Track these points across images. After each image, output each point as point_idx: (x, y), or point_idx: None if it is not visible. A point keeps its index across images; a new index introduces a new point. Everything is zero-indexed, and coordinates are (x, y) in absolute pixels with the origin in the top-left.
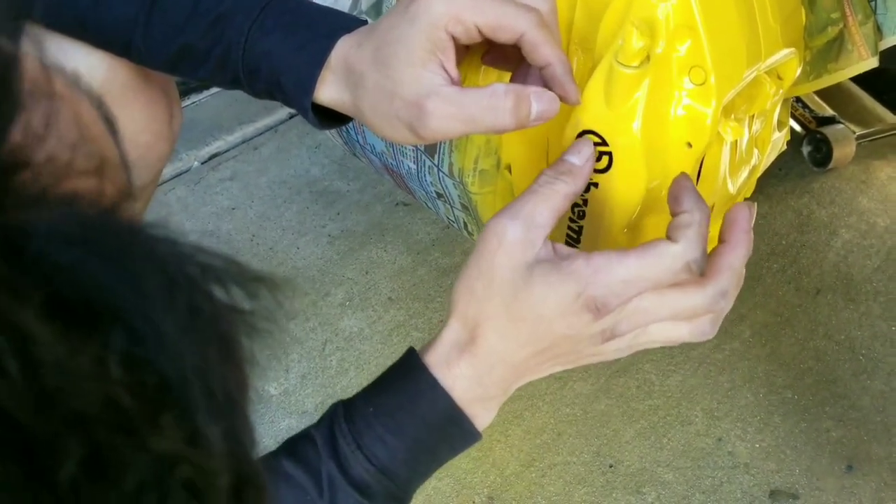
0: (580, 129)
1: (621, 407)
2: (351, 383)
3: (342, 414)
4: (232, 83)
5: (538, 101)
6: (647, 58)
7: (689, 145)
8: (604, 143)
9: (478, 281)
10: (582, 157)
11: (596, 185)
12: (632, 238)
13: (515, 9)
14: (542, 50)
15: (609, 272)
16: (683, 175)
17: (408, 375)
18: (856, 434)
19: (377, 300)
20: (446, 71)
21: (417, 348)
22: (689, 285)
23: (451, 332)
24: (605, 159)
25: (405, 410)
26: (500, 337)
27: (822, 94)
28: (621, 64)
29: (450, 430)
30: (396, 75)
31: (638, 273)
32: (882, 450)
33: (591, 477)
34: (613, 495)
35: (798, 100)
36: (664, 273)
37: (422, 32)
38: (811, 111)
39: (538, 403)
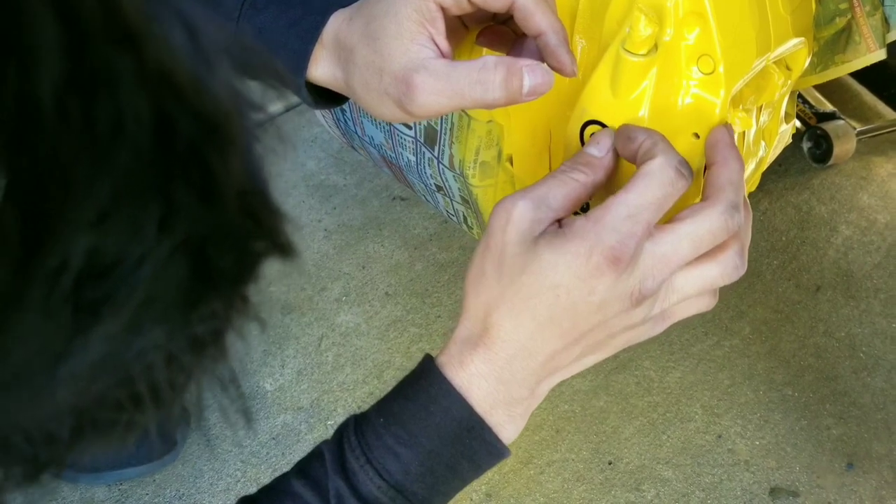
0: (585, 119)
1: (620, 404)
2: (347, 379)
3: (353, 427)
4: None
5: (531, 74)
6: (655, 46)
7: (697, 136)
8: None
9: (487, 262)
10: (602, 149)
11: None
12: None
13: None
14: (535, 18)
15: (611, 216)
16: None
17: (420, 381)
18: (856, 431)
19: (374, 295)
20: (436, 44)
21: (434, 354)
22: (695, 212)
23: (464, 327)
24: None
25: (418, 419)
26: (515, 321)
27: (823, 89)
28: (628, 52)
29: (469, 441)
30: (385, 49)
31: (637, 202)
32: (883, 447)
33: (589, 474)
34: (612, 493)
35: (799, 96)
36: (660, 188)
37: (410, 4)
38: (811, 107)
39: None
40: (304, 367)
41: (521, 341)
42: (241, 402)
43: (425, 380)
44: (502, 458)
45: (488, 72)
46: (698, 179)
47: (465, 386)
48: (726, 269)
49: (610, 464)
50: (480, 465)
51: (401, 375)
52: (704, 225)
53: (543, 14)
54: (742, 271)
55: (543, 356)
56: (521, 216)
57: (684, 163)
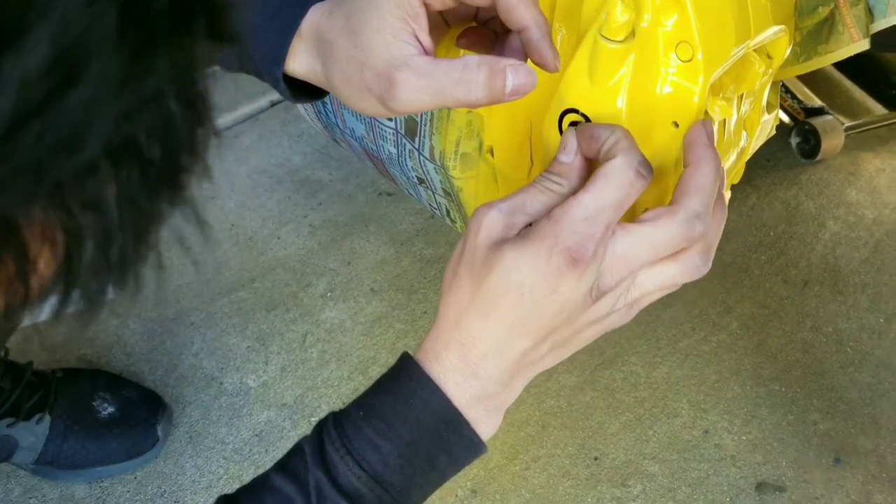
0: (563, 108)
1: (607, 399)
2: (332, 376)
3: (332, 421)
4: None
5: (514, 73)
6: (633, 32)
7: (676, 125)
8: (588, 121)
9: (461, 265)
10: (570, 153)
11: None
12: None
13: None
14: (518, 11)
15: (569, 217)
16: (574, 129)
17: (398, 375)
18: (843, 427)
19: (359, 291)
20: (418, 40)
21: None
22: (659, 217)
23: (439, 326)
24: None
25: (397, 411)
26: (484, 322)
27: (811, 84)
28: (605, 38)
29: (447, 435)
30: (366, 44)
31: (596, 203)
32: (869, 442)
33: (575, 470)
34: (598, 488)
35: (787, 91)
36: (618, 189)
37: (393, 4)
38: (800, 102)
39: (522, 395)
40: (288, 364)
41: (492, 341)
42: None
43: (404, 374)
44: (479, 453)
45: (471, 71)
46: (678, 170)
47: (441, 379)
48: (686, 268)
49: (596, 459)
50: (458, 459)
51: (386, 371)
52: (664, 233)
53: (526, 7)
54: (705, 270)
55: (514, 354)
56: (493, 221)
57: (644, 163)
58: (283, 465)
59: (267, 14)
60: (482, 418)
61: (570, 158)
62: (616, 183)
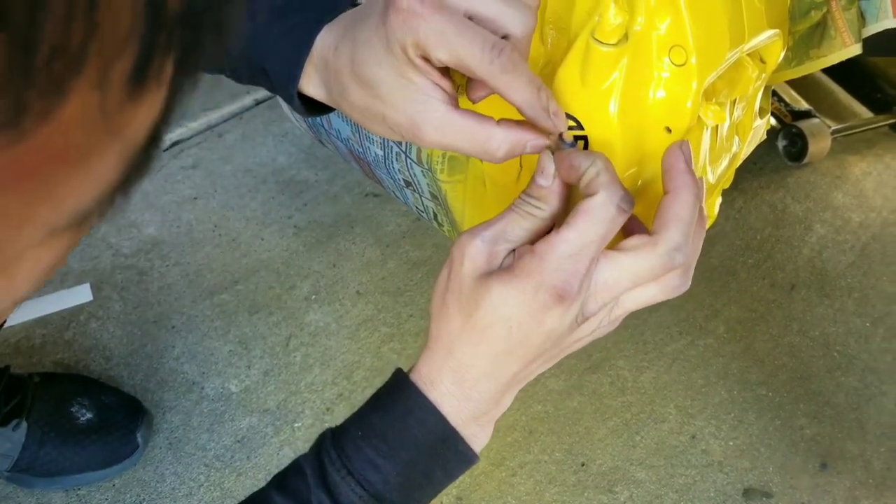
0: None
1: (594, 404)
2: (315, 380)
3: (331, 440)
4: (214, 68)
5: (533, 148)
6: (626, 35)
7: (669, 130)
8: (579, 126)
9: (448, 294)
10: (547, 177)
11: None
12: None
13: (481, 50)
14: (507, 95)
15: (554, 254)
16: (551, 153)
17: (395, 395)
18: (830, 431)
19: (344, 294)
20: (438, 85)
21: (404, 356)
22: (641, 249)
23: (431, 351)
24: (580, 144)
25: (396, 431)
26: (475, 349)
27: (798, 88)
28: (598, 41)
29: (443, 451)
30: (386, 97)
31: (580, 241)
32: (856, 447)
33: (562, 476)
34: (585, 494)
35: (774, 94)
36: (601, 225)
37: (399, 61)
38: (787, 105)
39: None
40: (271, 368)
41: (484, 367)
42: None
43: (401, 393)
44: (472, 464)
45: (493, 142)
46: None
47: (437, 402)
48: (666, 289)
49: (583, 465)
50: (453, 472)
51: (371, 376)
52: (644, 263)
53: (516, 91)
54: (685, 288)
55: (505, 377)
56: (477, 251)
57: (626, 197)
58: (282, 485)
59: (282, 29)
60: (476, 433)
61: (549, 182)
62: (598, 219)
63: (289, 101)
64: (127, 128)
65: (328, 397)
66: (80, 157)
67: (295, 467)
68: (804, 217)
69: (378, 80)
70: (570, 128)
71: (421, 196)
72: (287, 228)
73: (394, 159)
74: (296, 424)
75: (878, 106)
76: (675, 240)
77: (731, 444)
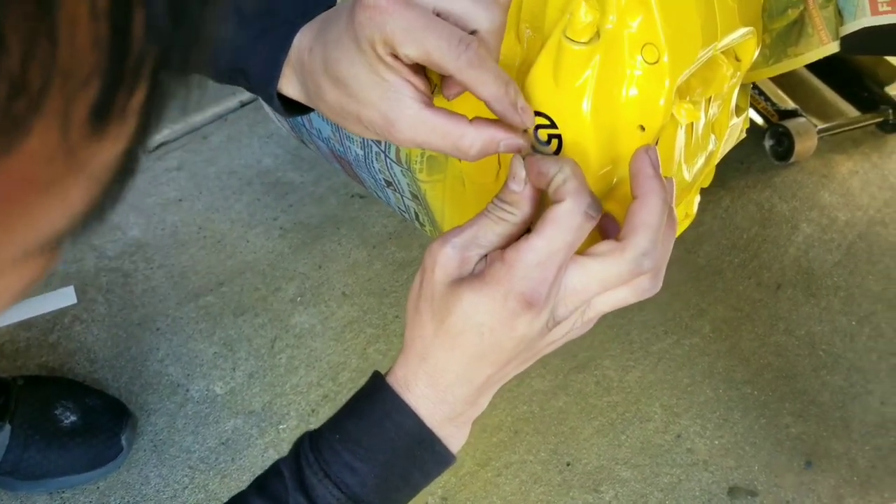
0: None
1: (579, 404)
2: (301, 382)
3: (308, 444)
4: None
5: (506, 146)
6: (597, 33)
7: (642, 128)
8: (553, 125)
9: (421, 301)
10: (519, 182)
11: None
12: None
13: (448, 44)
14: (475, 90)
15: (522, 263)
16: (522, 159)
17: (372, 398)
18: (815, 430)
19: (330, 295)
20: (409, 82)
21: (384, 367)
22: (609, 255)
23: (406, 356)
24: (554, 143)
25: (372, 435)
26: (448, 355)
27: (784, 87)
28: (570, 39)
29: (420, 453)
30: (360, 96)
31: (547, 248)
32: (841, 445)
33: (547, 475)
34: (570, 494)
35: (760, 93)
36: (569, 233)
37: (370, 59)
38: (773, 104)
39: (495, 401)
40: (256, 370)
41: (458, 371)
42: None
43: (377, 396)
44: (449, 465)
45: (466, 140)
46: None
47: (413, 405)
48: (637, 291)
49: (568, 465)
50: (430, 473)
51: (356, 377)
52: (613, 269)
53: (483, 85)
54: (655, 290)
55: (479, 380)
56: (448, 258)
57: (593, 204)
58: (261, 487)
59: (259, 28)
60: (453, 434)
61: (520, 188)
62: (566, 227)
63: (268, 101)
64: (92, 161)
65: (313, 399)
66: (46, 187)
67: (274, 470)
68: (791, 216)
69: (351, 79)
70: (544, 126)
71: (402, 196)
72: (272, 230)
73: (374, 159)
74: (281, 426)
75: (864, 104)
76: (642, 245)
77: (716, 442)
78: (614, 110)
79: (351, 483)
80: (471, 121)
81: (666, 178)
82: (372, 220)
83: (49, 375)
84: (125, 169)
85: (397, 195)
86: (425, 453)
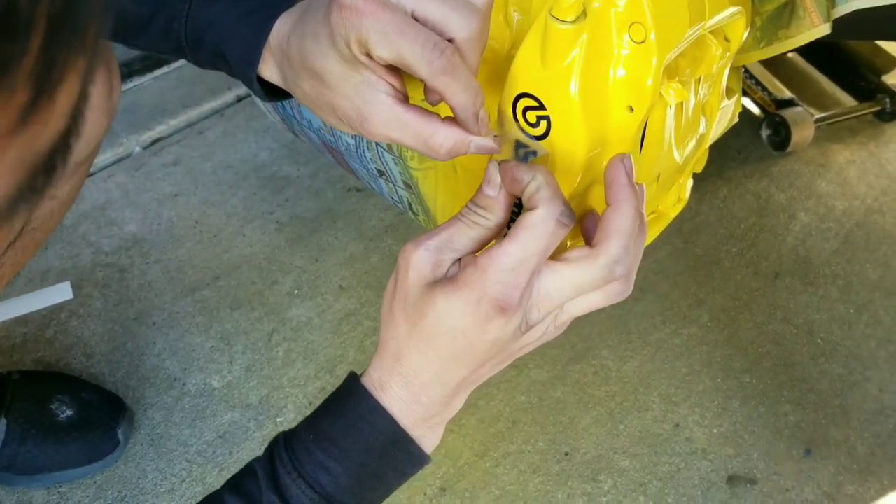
0: (516, 92)
1: (578, 394)
2: (298, 374)
3: (283, 444)
4: (176, 52)
5: (477, 148)
6: (584, 12)
7: (631, 109)
8: (541, 106)
9: (395, 303)
10: (494, 187)
11: (535, 153)
12: (578, 209)
13: (422, 49)
14: (444, 97)
15: (495, 267)
16: (497, 163)
17: (347, 399)
18: (814, 418)
19: (327, 288)
20: (384, 80)
21: (358, 372)
22: (582, 261)
23: (381, 356)
24: (543, 124)
25: (346, 435)
26: (423, 356)
27: (781, 76)
28: (556, 18)
29: (394, 454)
30: (335, 88)
31: (520, 254)
32: (840, 433)
33: (546, 465)
34: (569, 484)
35: (757, 83)
36: (542, 240)
37: (344, 56)
38: (770, 94)
39: (493, 391)
40: (253, 363)
41: (432, 373)
42: None
43: (352, 396)
44: (424, 465)
45: (437, 139)
46: (635, 155)
47: (388, 405)
48: (609, 295)
49: (567, 455)
50: (405, 473)
51: (354, 369)
52: (585, 275)
53: (452, 94)
54: (627, 294)
55: (454, 382)
56: (421, 261)
57: (566, 212)
58: (236, 486)
59: (239, 13)
60: (426, 434)
61: (495, 192)
62: (538, 234)
63: (248, 84)
64: (13, 141)
65: (311, 392)
66: None
67: (249, 469)
68: (788, 205)
69: (326, 72)
70: (532, 108)
71: (395, 185)
72: (269, 224)
73: (365, 148)
74: (278, 419)
75: (861, 94)
76: (614, 253)
77: (715, 431)
78: (602, 90)
79: (325, 482)
80: (443, 120)
81: (637, 184)
82: (368, 214)
83: (45, 370)
84: (59, 147)
85: (390, 185)
86: (399, 454)
